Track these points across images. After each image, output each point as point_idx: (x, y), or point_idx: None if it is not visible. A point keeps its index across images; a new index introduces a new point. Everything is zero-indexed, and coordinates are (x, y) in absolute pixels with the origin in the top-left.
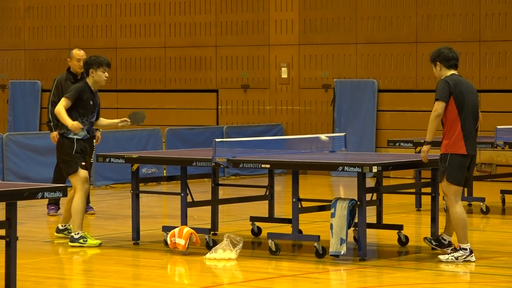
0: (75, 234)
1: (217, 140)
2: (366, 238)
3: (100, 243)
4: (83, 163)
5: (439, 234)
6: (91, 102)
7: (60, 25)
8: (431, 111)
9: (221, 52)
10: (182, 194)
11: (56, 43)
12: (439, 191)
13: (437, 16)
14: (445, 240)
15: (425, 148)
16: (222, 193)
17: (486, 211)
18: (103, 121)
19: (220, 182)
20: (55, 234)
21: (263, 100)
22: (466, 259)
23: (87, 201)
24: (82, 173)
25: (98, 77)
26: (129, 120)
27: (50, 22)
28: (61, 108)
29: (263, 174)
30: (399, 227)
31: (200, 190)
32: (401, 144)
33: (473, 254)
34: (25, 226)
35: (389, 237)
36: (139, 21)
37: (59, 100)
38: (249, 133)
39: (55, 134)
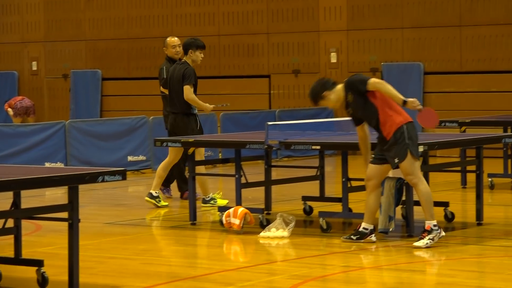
0: (206, 197)
1: (269, 123)
2: (413, 215)
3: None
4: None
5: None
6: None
7: (118, 16)
8: (475, 92)
9: (272, 39)
10: (237, 176)
11: (115, 33)
12: (482, 169)
13: (480, 0)
14: (366, 229)
15: (410, 100)
16: (275, 174)
17: None
18: None
19: (273, 163)
20: (202, 205)
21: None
22: (440, 236)
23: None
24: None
25: (196, 57)
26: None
27: (109, 13)
28: (193, 95)
29: (314, 155)
30: (445, 204)
31: (254, 171)
32: (447, 124)
33: (441, 230)
34: (88, 209)
35: (436, 214)
36: (194, 11)
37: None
38: (301, 116)
39: None
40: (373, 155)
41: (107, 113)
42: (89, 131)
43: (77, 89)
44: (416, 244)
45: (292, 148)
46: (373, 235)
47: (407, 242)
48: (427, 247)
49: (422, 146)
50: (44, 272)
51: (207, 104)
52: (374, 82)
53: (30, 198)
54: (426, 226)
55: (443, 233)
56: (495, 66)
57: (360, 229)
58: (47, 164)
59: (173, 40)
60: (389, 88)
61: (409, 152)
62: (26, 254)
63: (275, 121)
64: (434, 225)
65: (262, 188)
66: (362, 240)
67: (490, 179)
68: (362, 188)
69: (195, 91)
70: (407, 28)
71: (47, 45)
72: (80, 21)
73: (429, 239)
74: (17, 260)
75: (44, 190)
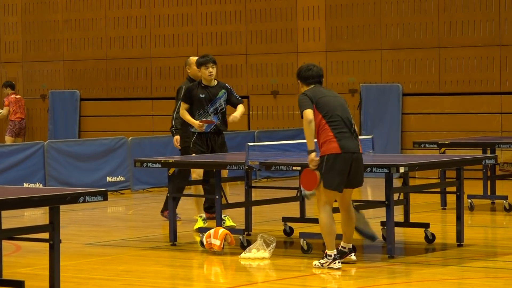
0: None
1: (249, 144)
2: (394, 236)
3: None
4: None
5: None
6: (202, 95)
7: (97, 37)
8: (454, 113)
9: (251, 60)
10: (217, 197)
11: (93, 54)
12: (463, 190)
13: (459, 22)
14: (344, 248)
15: (313, 155)
16: (255, 195)
17: (509, 209)
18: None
19: (252, 184)
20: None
21: (292, 105)
22: (330, 265)
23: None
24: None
25: (203, 74)
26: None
27: (87, 34)
28: (183, 112)
29: (293, 176)
30: (425, 225)
31: (234, 192)
32: (426, 145)
33: (337, 261)
34: (67, 230)
35: (416, 235)
36: (172, 32)
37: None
38: (280, 137)
39: (177, 137)
40: None
41: (85, 133)
42: (68, 152)
43: (55, 109)
44: (314, 262)
45: (272, 169)
46: (353, 254)
47: (387, 263)
48: (316, 266)
49: (402, 167)
50: None
51: (197, 122)
52: (304, 116)
53: (9, 219)
54: (325, 252)
55: (337, 265)
56: (473, 87)
57: (339, 248)
58: (25, 185)
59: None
60: (307, 133)
61: (322, 181)
62: (6, 275)
63: (254, 142)
64: (329, 255)
65: (242, 209)
66: (342, 260)
67: (469, 200)
68: None
69: (196, 108)
70: (386, 49)
71: (25, 66)
72: (58, 41)
73: (319, 262)
74: None
75: (22, 211)
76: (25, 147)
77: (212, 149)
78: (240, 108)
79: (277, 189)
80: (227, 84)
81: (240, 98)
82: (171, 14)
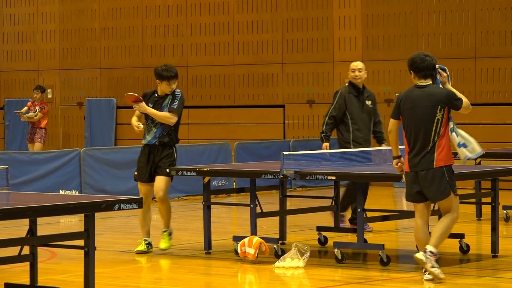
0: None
1: (284, 153)
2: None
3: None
4: (135, 173)
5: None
6: (150, 105)
7: (133, 45)
8: (490, 124)
9: (287, 69)
10: (252, 205)
11: (130, 62)
12: (498, 201)
13: (495, 32)
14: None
15: (394, 162)
16: (289, 204)
17: None
18: None
19: (287, 193)
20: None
21: None
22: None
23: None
24: (139, 186)
25: (164, 88)
26: None
27: (124, 42)
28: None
29: (328, 185)
30: (460, 236)
31: (268, 201)
32: None
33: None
34: (102, 237)
35: (451, 246)
36: (209, 40)
37: (339, 113)
38: (315, 147)
39: (325, 145)
40: None
41: (121, 141)
42: (104, 159)
43: (91, 117)
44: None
45: (307, 178)
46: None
47: (422, 273)
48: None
49: None
50: None
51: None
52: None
53: (44, 226)
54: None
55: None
56: (510, 98)
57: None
58: (61, 192)
59: (354, 64)
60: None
61: None
62: (41, 281)
63: (289, 151)
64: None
65: (277, 218)
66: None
67: (505, 211)
68: (377, 219)
69: (145, 119)
70: None
71: (62, 73)
72: (95, 49)
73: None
74: (33, 287)
75: (58, 218)
76: (62, 154)
77: (153, 163)
78: (162, 112)
79: (311, 198)
80: (177, 90)
81: (174, 107)
82: (207, 23)
